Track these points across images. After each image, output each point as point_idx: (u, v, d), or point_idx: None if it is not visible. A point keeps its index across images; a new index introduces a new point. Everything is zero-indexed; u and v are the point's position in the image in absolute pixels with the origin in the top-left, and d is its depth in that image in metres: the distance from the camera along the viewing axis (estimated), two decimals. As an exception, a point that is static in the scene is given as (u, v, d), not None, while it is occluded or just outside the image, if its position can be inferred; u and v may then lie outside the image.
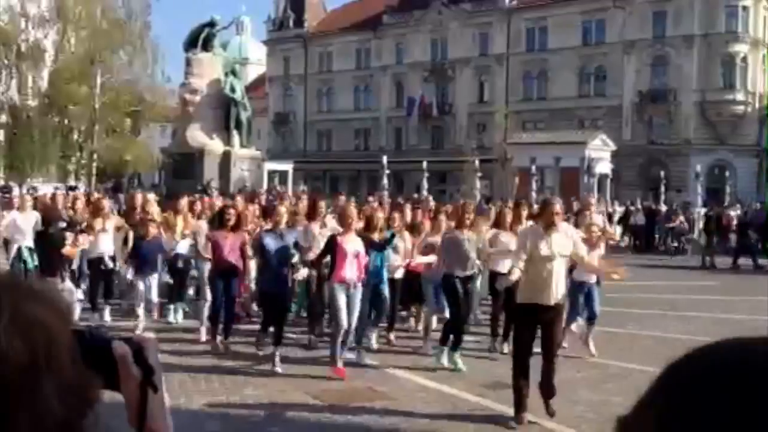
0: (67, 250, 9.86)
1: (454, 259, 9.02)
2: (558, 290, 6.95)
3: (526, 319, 6.93)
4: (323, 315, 10.51)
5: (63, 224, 10.27)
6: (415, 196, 31.11)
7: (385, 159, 38.24)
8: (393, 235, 9.60)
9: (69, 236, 10.16)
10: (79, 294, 10.81)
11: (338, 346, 8.52)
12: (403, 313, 11.71)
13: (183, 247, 11.73)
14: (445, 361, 8.99)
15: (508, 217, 10.33)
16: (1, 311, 0.88)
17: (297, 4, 70.58)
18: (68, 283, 9.79)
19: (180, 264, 11.78)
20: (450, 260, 9.08)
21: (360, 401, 7.69)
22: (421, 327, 10.94)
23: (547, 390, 7.00)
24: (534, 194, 35.35)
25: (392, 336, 10.55)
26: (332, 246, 8.63)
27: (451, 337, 9.02)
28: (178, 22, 61.24)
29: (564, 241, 7.01)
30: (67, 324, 0.96)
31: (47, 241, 9.80)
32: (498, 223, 10.36)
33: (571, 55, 54.88)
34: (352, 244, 8.58)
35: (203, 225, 11.44)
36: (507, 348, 9.41)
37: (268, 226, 10.05)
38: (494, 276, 9.83)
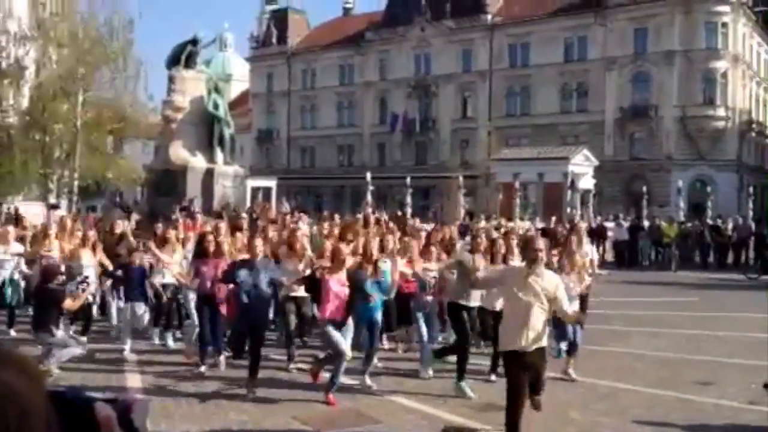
0: (68, 303, 9.65)
1: (462, 287, 8.92)
2: (535, 336, 6.55)
3: (513, 364, 6.62)
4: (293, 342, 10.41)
5: (62, 278, 10.03)
6: (399, 213, 31.09)
7: (369, 175, 38.26)
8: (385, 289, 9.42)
9: (71, 290, 9.95)
10: (82, 339, 10.62)
11: (339, 376, 8.31)
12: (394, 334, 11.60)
13: (169, 277, 11.56)
14: (469, 392, 8.66)
15: (502, 249, 9.80)
16: None
17: (280, 21, 70.74)
18: (60, 333, 9.49)
19: (168, 294, 11.59)
20: (458, 288, 8.98)
21: (347, 424, 7.59)
22: (401, 349, 10.98)
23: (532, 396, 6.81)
24: (518, 210, 35.45)
25: (385, 341, 10.46)
26: (318, 282, 8.51)
27: (457, 365, 8.89)
28: (161, 39, 61.15)
29: (545, 287, 6.60)
30: (41, 391, 0.89)
31: (46, 297, 9.50)
32: (491, 256, 9.76)
33: (554, 72, 55.24)
34: (339, 282, 8.47)
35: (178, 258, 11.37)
36: (494, 377, 9.31)
37: (244, 256, 9.70)
38: (481, 312, 9.51)
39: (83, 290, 10.25)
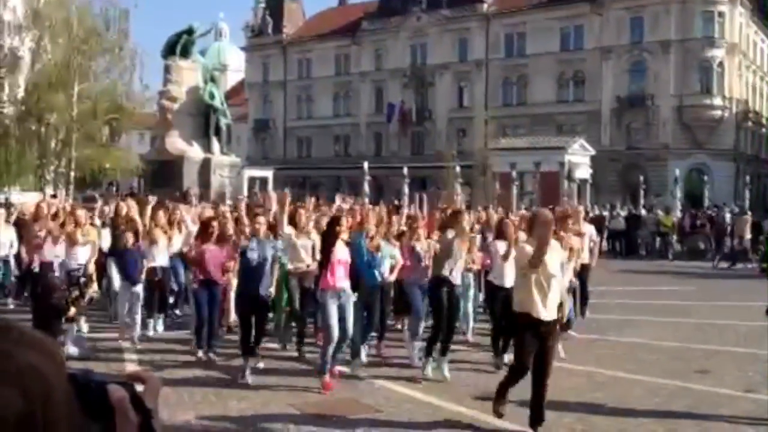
0: (71, 313, 9.69)
1: (443, 264, 8.96)
2: (552, 306, 6.76)
3: (526, 328, 6.75)
4: (303, 327, 10.43)
5: (63, 292, 10.05)
6: (396, 201, 31.10)
7: (366, 165, 38.24)
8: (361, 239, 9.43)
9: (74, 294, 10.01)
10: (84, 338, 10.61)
11: (329, 358, 8.37)
12: (393, 322, 11.63)
13: (161, 259, 11.57)
14: (429, 372, 8.91)
15: (510, 228, 9.94)
16: None
17: (275, 10, 70.49)
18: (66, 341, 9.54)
19: (158, 275, 11.60)
20: (439, 264, 9.01)
21: (346, 413, 7.59)
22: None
23: (537, 415, 6.80)
24: (515, 199, 35.49)
25: (383, 346, 10.44)
26: (321, 252, 8.52)
27: (438, 345, 8.96)
28: (157, 29, 60.93)
29: (557, 257, 6.83)
30: (62, 371, 0.91)
31: (48, 312, 9.49)
32: (498, 233, 10.06)
33: (550, 61, 55.17)
34: (341, 251, 8.47)
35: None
36: (507, 359, 9.33)
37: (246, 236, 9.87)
38: (491, 289, 9.71)
39: (82, 291, 10.30)
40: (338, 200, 15.07)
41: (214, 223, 9.94)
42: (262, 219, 9.59)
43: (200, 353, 9.70)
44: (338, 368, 8.80)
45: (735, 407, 7.81)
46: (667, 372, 9.36)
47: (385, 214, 11.62)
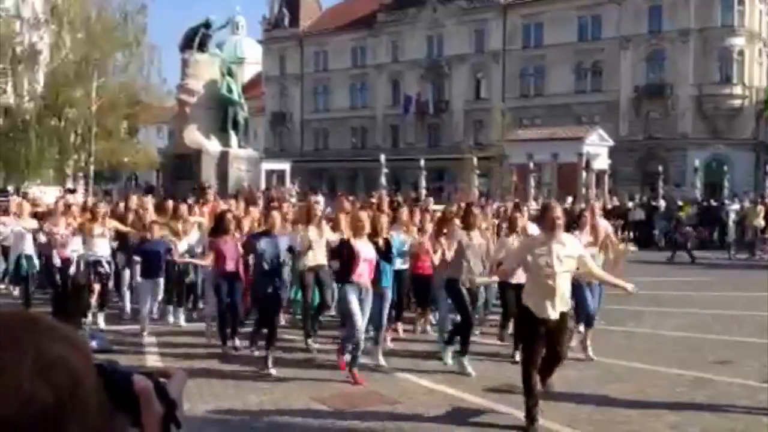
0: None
1: (459, 264, 8.93)
2: (561, 303, 6.69)
3: (532, 325, 6.72)
4: (317, 320, 10.49)
5: (89, 291, 10.27)
6: (413, 195, 31.10)
7: (383, 157, 38.23)
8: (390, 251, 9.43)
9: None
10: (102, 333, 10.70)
11: (359, 349, 8.40)
12: (411, 314, 11.64)
13: (181, 248, 11.63)
14: (449, 360, 8.93)
15: (520, 222, 10.14)
16: (22, 353, 0.85)
17: (292, 3, 70.45)
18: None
19: (180, 266, 11.68)
20: (455, 264, 8.98)
21: (365, 405, 7.64)
22: (428, 327, 11.10)
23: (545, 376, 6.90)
24: (533, 190, 35.37)
25: (400, 327, 10.57)
26: (344, 249, 8.53)
27: (460, 341, 8.95)
28: (174, 23, 61.10)
29: (567, 252, 6.73)
30: (89, 363, 0.93)
31: (70, 306, 9.69)
32: (508, 228, 10.12)
33: (568, 51, 54.80)
34: (365, 248, 8.48)
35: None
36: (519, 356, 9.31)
37: (262, 229, 10.00)
38: (503, 285, 9.63)
39: (98, 279, 10.46)
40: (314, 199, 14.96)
41: (230, 216, 10.01)
42: (275, 214, 9.68)
43: (229, 343, 9.79)
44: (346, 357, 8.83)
45: (755, 398, 7.78)
46: (685, 363, 9.33)
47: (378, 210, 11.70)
